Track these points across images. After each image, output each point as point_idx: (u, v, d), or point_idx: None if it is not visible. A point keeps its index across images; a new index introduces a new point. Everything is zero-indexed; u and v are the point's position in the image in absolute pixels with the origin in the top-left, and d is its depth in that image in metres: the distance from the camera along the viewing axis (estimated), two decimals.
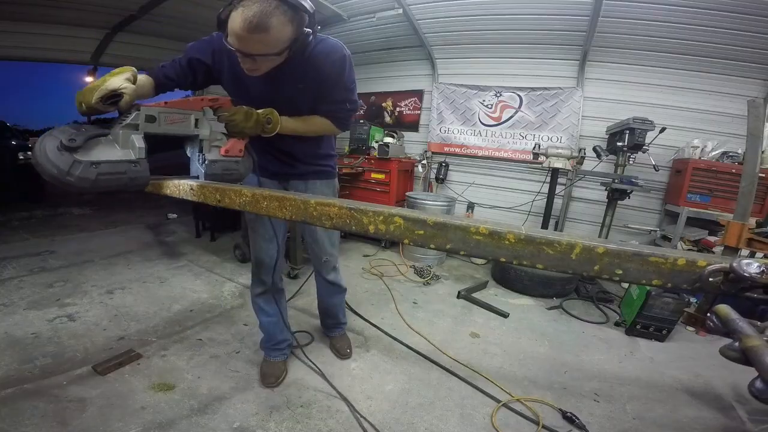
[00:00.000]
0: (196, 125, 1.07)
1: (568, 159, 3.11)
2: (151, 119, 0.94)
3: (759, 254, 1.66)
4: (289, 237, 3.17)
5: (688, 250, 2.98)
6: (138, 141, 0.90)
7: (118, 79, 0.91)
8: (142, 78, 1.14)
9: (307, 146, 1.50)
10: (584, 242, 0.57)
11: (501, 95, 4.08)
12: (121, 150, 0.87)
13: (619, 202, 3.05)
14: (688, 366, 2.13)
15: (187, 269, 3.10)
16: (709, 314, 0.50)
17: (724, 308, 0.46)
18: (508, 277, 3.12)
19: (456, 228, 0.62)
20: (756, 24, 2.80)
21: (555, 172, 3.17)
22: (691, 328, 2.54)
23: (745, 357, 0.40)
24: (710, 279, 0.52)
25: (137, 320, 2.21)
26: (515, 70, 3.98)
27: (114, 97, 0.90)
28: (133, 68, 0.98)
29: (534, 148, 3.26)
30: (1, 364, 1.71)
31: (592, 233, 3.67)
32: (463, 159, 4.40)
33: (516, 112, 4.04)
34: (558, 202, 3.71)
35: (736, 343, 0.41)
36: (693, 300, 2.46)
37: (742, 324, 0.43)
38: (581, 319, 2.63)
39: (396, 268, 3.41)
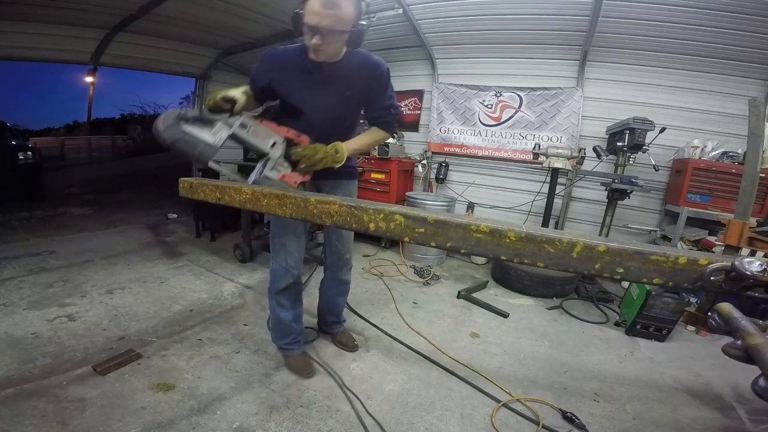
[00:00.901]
0: (272, 146, 1.31)
1: (568, 159, 3.11)
2: (243, 126, 1.23)
3: (760, 253, 1.66)
4: None
5: (689, 250, 2.98)
6: (223, 134, 1.18)
7: (237, 91, 1.25)
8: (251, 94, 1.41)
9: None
10: (585, 240, 0.57)
11: (501, 95, 4.08)
12: (211, 135, 1.16)
13: (619, 202, 3.05)
14: (688, 366, 2.13)
15: (187, 269, 3.10)
16: (710, 313, 0.50)
17: (726, 306, 0.46)
18: (508, 277, 3.12)
19: (456, 226, 0.62)
20: (756, 24, 2.80)
21: (555, 172, 3.17)
22: (691, 328, 2.54)
23: (747, 355, 0.40)
24: (712, 278, 0.52)
25: (137, 320, 2.20)
26: (515, 70, 3.97)
27: (230, 101, 1.23)
28: (248, 87, 1.35)
29: (534, 148, 3.26)
30: (1, 364, 1.71)
31: (592, 233, 3.66)
32: (463, 159, 4.39)
33: (516, 112, 4.04)
34: (558, 202, 3.71)
35: (739, 342, 0.41)
36: (693, 300, 2.46)
37: (744, 322, 0.43)
38: (581, 319, 2.62)
39: (396, 268, 3.41)
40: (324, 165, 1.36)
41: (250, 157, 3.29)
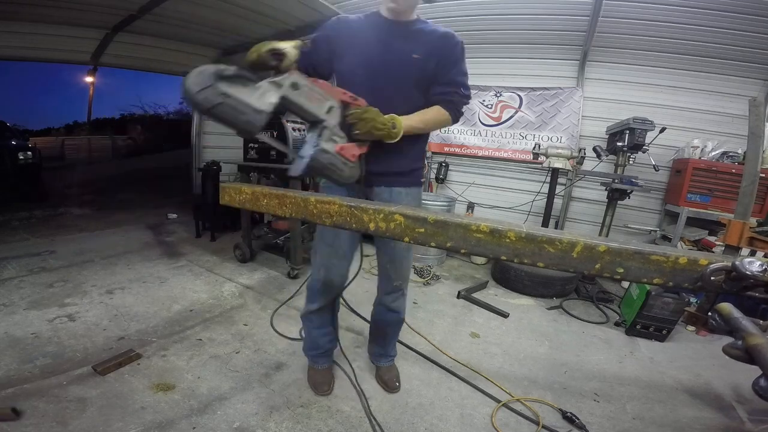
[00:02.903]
0: (328, 111, 1.11)
1: (568, 159, 3.11)
2: (295, 86, 1.01)
3: (760, 253, 1.66)
4: (289, 236, 3.17)
5: (689, 250, 2.98)
6: (273, 96, 0.96)
7: (287, 44, 1.02)
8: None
9: (404, 143, 1.31)
10: (585, 240, 0.57)
11: (501, 95, 4.08)
12: (257, 98, 0.93)
13: (619, 202, 3.05)
14: (688, 366, 2.13)
15: (187, 269, 3.10)
16: (711, 313, 0.50)
17: (726, 306, 0.46)
18: (508, 277, 3.12)
19: (457, 226, 0.61)
20: (756, 24, 2.80)
21: (555, 172, 3.16)
22: (691, 328, 2.54)
23: (748, 355, 0.40)
24: (712, 278, 0.52)
25: (137, 320, 2.20)
26: (515, 70, 3.97)
27: (279, 55, 0.99)
28: (300, 41, 1.10)
29: (534, 148, 3.26)
30: (1, 364, 1.71)
31: (592, 233, 3.66)
32: (463, 159, 4.39)
33: (516, 112, 4.04)
34: (558, 202, 3.71)
35: (740, 342, 0.41)
36: (693, 300, 2.46)
37: (745, 322, 0.43)
38: (581, 319, 2.62)
39: None
40: (380, 135, 1.19)
41: (251, 157, 3.27)
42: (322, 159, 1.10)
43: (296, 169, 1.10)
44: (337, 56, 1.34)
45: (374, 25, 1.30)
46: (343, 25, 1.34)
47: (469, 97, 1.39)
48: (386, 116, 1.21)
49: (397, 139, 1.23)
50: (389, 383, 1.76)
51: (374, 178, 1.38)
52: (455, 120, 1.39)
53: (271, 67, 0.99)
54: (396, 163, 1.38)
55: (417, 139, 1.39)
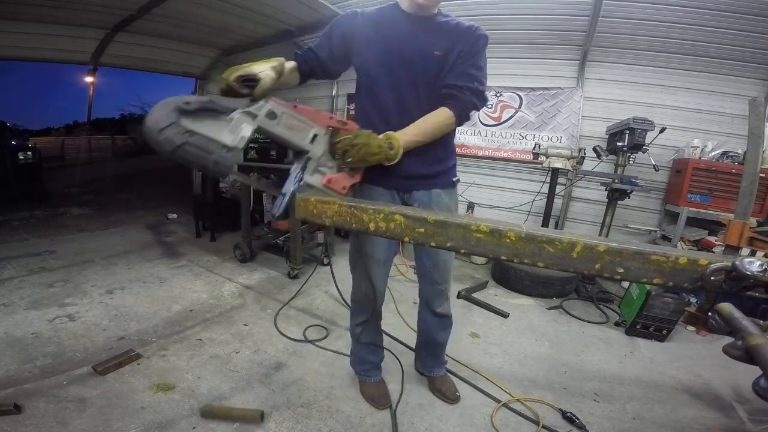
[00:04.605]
0: (312, 140, 1.00)
1: (568, 159, 3.11)
2: (272, 116, 0.91)
3: (760, 253, 1.66)
4: (288, 237, 3.17)
5: (689, 250, 2.98)
6: (245, 130, 0.85)
7: (262, 66, 0.91)
8: (290, 66, 1.14)
9: (432, 144, 1.24)
10: (585, 240, 0.57)
11: (501, 95, 4.07)
12: (227, 133, 0.83)
13: (619, 202, 3.05)
14: (688, 366, 2.12)
15: (187, 269, 3.10)
16: (711, 313, 0.50)
17: (726, 307, 0.46)
18: (508, 277, 3.12)
19: (457, 226, 0.61)
20: (756, 24, 2.80)
21: (555, 172, 3.16)
22: (691, 328, 2.54)
23: (748, 355, 0.40)
24: (712, 278, 0.52)
25: (137, 320, 2.20)
26: (515, 70, 3.97)
27: (252, 81, 0.88)
28: (283, 59, 1.00)
29: (534, 148, 3.25)
30: (1, 364, 1.71)
31: (593, 233, 3.66)
32: (463, 159, 4.38)
33: (516, 112, 4.03)
34: (558, 202, 3.70)
35: (740, 342, 0.41)
36: (693, 300, 2.46)
37: (745, 322, 0.42)
38: (581, 319, 2.62)
39: (396, 267, 3.40)
40: (376, 159, 1.08)
41: (251, 157, 3.25)
42: (305, 193, 0.98)
43: (276, 208, 1.01)
44: (356, 54, 1.25)
45: (393, 19, 1.22)
46: (359, 20, 1.25)
47: (482, 95, 1.23)
48: (380, 137, 1.11)
49: (396, 160, 1.14)
50: (448, 394, 1.69)
51: (411, 183, 1.31)
52: (460, 122, 1.24)
53: (243, 94, 0.89)
54: (430, 163, 1.31)
55: (444, 135, 1.29)
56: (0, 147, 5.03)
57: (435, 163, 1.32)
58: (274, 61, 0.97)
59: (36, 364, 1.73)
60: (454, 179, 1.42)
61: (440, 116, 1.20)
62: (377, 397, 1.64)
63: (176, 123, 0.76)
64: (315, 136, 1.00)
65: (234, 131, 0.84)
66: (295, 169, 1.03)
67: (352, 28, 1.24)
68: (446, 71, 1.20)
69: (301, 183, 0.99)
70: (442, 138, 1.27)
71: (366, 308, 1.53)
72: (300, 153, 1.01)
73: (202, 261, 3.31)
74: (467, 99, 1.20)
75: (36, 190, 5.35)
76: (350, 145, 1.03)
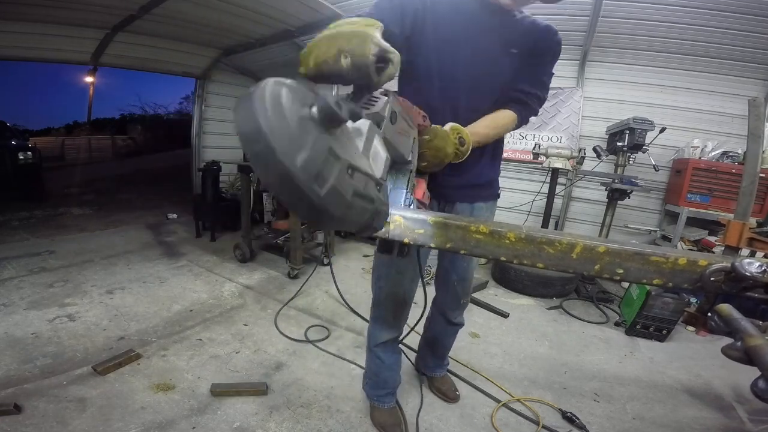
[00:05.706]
0: (412, 146, 0.75)
1: (568, 159, 3.11)
2: (393, 118, 0.63)
3: (759, 254, 1.66)
4: (288, 237, 3.17)
5: (689, 250, 2.98)
6: (382, 148, 0.55)
7: (377, 32, 0.59)
8: None
9: (481, 150, 1.14)
10: (585, 241, 0.57)
11: None
12: (362, 155, 0.48)
13: (619, 202, 3.05)
14: (688, 366, 2.13)
15: (187, 269, 3.10)
16: (710, 314, 0.50)
17: (726, 307, 0.46)
18: (508, 277, 3.12)
19: (456, 227, 0.61)
20: (756, 24, 2.80)
21: (555, 172, 3.16)
22: (691, 328, 2.54)
23: (747, 356, 0.40)
24: (711, 278, 0.52)
25: (137, 320, 2.20)
26: None
27: (385, 61, 0.57)
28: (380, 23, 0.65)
29: (534, 148, 3.25)
30: (1, 364, 1.71)
31: (592, 233, 3.66)
32: None
33: None
34: (558, 202, 3.71)
35: (739, 343, 0.41)
36: (693, 300, 2.46)
37: (744, 323, 0.43)
38: (581, 319, 2.62)
39: None
40: (450, 161, 0.94)
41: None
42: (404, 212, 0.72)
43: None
44: (427, 37, 1.05)
45: (469, 9, 1.05)
46: (429, 11, 1.04)
47: (543, 100, 1.18)
48: (449, 132, 0.96)
49: (464, 158, 1.00)
50: (448, 393, 1.70)
51: (455, 193, 1.21)
52: (517, 128, 1.17)
53: (356, 82, 0.56)
54: (477, 173, 1.20)
55: (496, 142, 1.19)
56: (0, 147, 5.03)
57: (481, 173, 1.22)
58: (378, 25, 0.63)
59: (36, 364, 1.73)
60: (498, 191, 1.34)
61: (507, 118, 1.13)
62: (390, 426, 1.50)
63: (332, 152, 0.35)
64: (414, 140, 0.76)
65: (372, 155, 0.50)
66: (397, 186, 0.73)
67: (423, 7, 1.03)
68: (519, 72, 1.12)
69: (413, 205, 0.75)
70: (496, 143, 1.21)
71: (393, 326, 1.42)
72: (399, 165, 0.73)
73: (202, 261, 3.31)
74: (533, 108, 1.16)
75: (36, 190, 5.35)
76: (428, 147, 0.89)
